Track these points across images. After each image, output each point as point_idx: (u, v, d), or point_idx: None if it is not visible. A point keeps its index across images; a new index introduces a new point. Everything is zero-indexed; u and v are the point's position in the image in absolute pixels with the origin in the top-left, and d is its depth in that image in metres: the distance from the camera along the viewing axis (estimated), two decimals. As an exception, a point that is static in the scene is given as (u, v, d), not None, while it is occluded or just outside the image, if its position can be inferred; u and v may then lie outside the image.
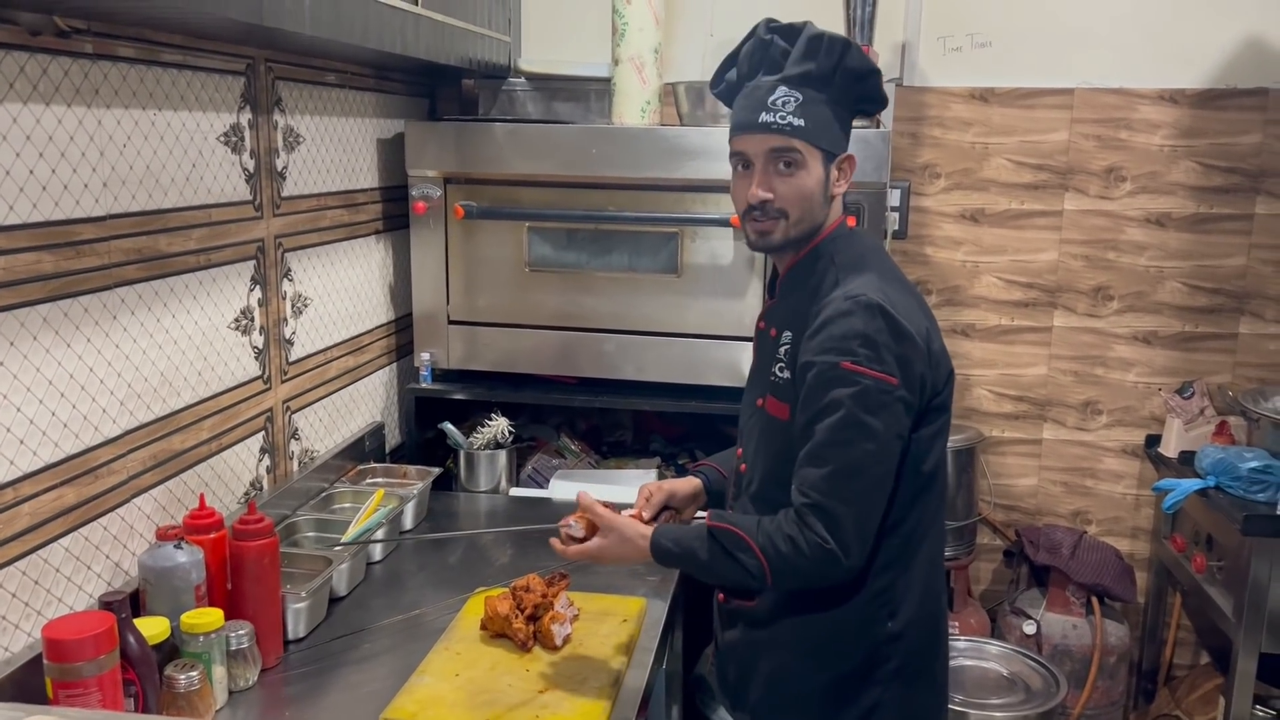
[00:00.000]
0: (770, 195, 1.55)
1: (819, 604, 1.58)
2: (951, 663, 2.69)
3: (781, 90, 1.53)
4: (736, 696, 1.73)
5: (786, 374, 1.57)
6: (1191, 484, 2.61)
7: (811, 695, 1.62)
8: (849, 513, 1.45)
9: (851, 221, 2.28)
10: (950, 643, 2.73)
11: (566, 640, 1.72)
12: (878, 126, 2.38)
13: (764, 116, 1.53)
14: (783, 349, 1.59)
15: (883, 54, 2.89)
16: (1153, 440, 2.97)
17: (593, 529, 1.62)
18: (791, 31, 1.57)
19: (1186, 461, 2.75)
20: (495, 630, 1.73)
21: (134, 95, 1.62)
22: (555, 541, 1.63)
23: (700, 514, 1.77)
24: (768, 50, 1.58)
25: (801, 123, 1.52)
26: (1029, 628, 2.87)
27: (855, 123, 2.36)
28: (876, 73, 1.58)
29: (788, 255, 1.63)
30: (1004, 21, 2.90)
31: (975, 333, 3.06)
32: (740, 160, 1.59)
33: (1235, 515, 2.43)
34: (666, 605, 1.90)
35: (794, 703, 1.64)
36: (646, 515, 1.71)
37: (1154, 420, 3.01)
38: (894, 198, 2.93)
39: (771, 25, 1.61)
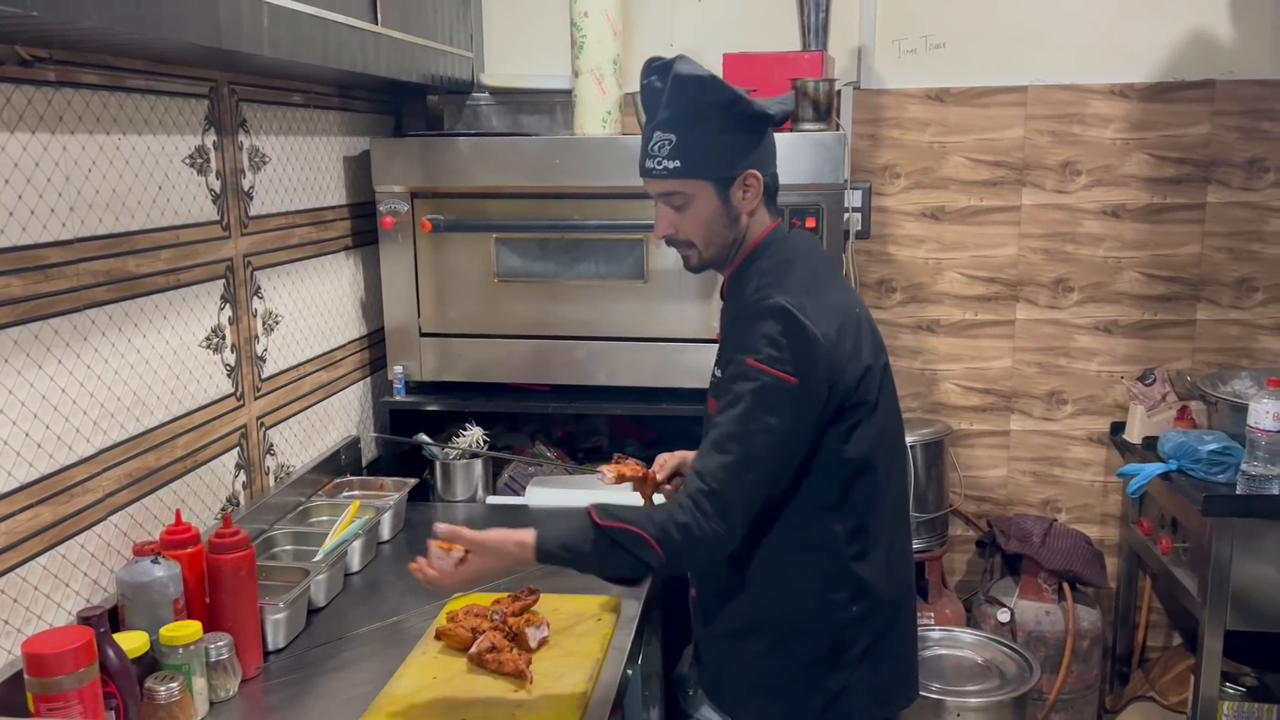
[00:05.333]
0: (670, 232, 1.67)
1: (786, 591, 1.64)
2: (927, 652, 2.75)
3: (657, 135, 1.62)
4: (715, 690, 1.78)
5: (718, 373, 1.67)
6: (1154, 468, 2.66)
7: (783, 684, 1.66)
8: (740, 501, 1.53)
9: (810, 223, 2.34)
10: (925, 632, 2.80)
11: (542, 643, 1.75)
12: (837, 129, 2.43)
13: (647, 163, 1.64)
14: (720, 351, 1.69)
15: (839, 58, 2.95)
16: (1117, 427, 3.03)
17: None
18: (665, 71, 1.63)
19: (1150, 446, 2.80)
20: (489, 669, 1.69)
21: (98, 121, 1.65)
22: (420, 567, 1.57)
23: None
24: (650, 93, 1.66)
25: (677, 163, 1.60)
26: (1003, 615, 2.92)
27: (810, 127, 2.42)
28: (739, 99, 1.60)
29: (725, 268, 1.72)
30: (957, 23, 2.96)
31: (940, 328, 3.12)
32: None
33: (1196, 497, 2.48)
34: (641, 604, 1.93)
35: (768, 692, 1.68)
36: (660, 477, 1.84)
37: (1118, 408, 3.08)
38: (855, 198, 2.96)
39: (653, 65, 1.66)
